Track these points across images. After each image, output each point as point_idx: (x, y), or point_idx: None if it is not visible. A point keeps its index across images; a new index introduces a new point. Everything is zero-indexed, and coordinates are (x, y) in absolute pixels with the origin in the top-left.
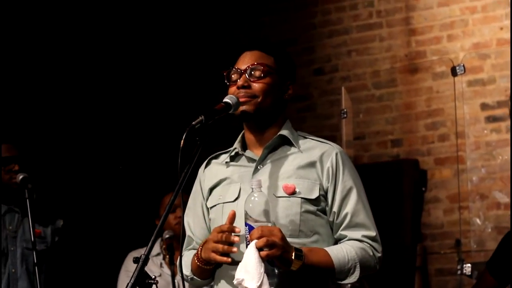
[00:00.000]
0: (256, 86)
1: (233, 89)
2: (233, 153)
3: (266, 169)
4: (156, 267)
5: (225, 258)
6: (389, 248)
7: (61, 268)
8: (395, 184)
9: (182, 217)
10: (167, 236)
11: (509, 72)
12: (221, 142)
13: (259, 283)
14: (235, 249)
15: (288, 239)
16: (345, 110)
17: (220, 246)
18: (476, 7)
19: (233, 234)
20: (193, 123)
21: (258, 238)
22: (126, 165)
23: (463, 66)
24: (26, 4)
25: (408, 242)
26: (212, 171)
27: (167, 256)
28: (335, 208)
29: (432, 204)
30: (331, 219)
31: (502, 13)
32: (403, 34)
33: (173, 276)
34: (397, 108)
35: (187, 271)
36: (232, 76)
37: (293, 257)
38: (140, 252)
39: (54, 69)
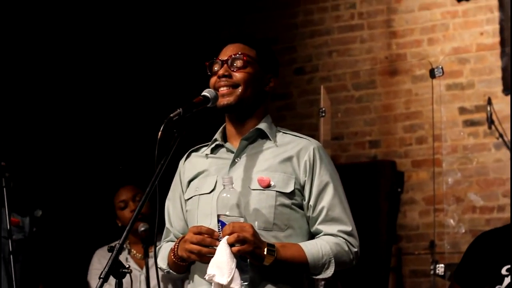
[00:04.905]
0: (237, 75)
1: (214, 79)
2: (213, 145)
3: (242, 162)
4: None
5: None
6: (364, 249)
7: (38, 258)
8: (371, 185)
9: (157, 209)
10: (142, 229)
11: (487, 77)
12: (203, 136)
13: (229, 279)
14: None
15: (262, 232)
16: (323, 108)
17: (195, 247)
18: (457, 11)
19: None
20: (171, 115)
21: (229, 234)
22: (107, 160)
23: (442, 68)
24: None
25: (383, 243)
26: (192, 164)
27: (133, 251)
28: (311, 202)
29: (408, 206)
30: (308, 213)
31: (482, 19)
32: (384, 36)
33: (147, 269)
34: (376, 109)
35: (163, 264)
36: (214, 67)
37: (265, 252)
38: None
39: (29, 64)
